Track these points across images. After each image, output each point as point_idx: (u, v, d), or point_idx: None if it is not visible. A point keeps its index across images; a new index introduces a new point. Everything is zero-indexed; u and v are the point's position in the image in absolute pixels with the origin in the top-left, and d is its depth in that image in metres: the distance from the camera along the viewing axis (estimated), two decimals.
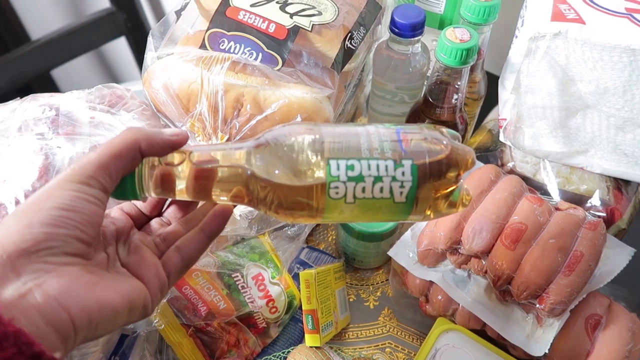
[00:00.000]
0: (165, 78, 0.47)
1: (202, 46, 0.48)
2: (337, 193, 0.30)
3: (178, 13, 0.52)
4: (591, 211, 0.53)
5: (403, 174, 0.30)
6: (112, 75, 1.38)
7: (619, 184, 0.55)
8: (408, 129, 0.33)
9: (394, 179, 0.30)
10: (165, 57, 0.48)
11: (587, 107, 0.49)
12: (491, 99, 0.59)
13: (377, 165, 0.30)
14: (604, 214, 0.52)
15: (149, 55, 0.49)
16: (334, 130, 0.32)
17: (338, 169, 0.30)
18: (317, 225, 0.63)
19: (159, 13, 1.16)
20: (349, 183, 0.30)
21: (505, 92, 0.54)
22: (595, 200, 0.53)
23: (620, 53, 0.45)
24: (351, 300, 0.58)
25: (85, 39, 1.03)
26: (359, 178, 0.30)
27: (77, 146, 0.44)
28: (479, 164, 0.57)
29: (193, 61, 0.46)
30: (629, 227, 0.54)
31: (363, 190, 0.30)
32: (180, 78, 0.46)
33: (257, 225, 0.44)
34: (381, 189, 0.30)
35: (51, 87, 1.23)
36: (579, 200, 0.54)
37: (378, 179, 0.30)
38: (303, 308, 0.46)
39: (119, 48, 1.16)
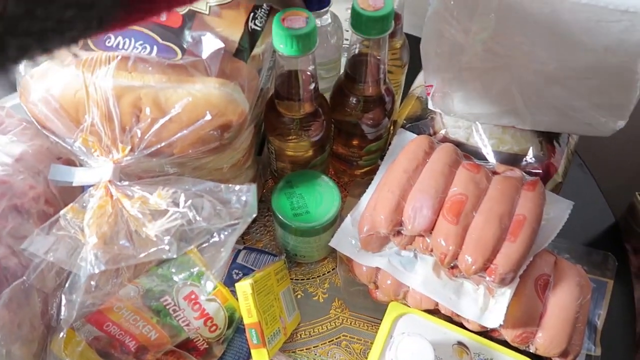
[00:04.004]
0: (44, 89, 0.40)
1: (85, 47, 0.41)
2: None
3: None
4: (527, 169, 0.52)
5: None
6: None
7: (551, 137, 0.54)
8: None
9: None
10: (42, 62, 0.41)
11: (513, 64, 0.47)
12: (416, 64, 0.55)
13: None
14: (540, 171, 0.52)
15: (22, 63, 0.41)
16: None
17: None
18: (254, 221, 0.58)
19: None
20: None
21: (428, 58, 0.51)
22: (530, 157, 0.52)
23: (540, 5, 0.42)
24: (299, 297, 0.54)
25: None
26: None
27: None
28: (411, 136, 0.54)
29: (73, 64, 0.39)
30: (564, 179, 0.54)
31: None
32: (61, 86, 0.40)
33: (177, 244, 0.39)
34: None
35: None
36: (514, 159, 0.52)
37: None
38: (245, 322, 0.42)
39: None
